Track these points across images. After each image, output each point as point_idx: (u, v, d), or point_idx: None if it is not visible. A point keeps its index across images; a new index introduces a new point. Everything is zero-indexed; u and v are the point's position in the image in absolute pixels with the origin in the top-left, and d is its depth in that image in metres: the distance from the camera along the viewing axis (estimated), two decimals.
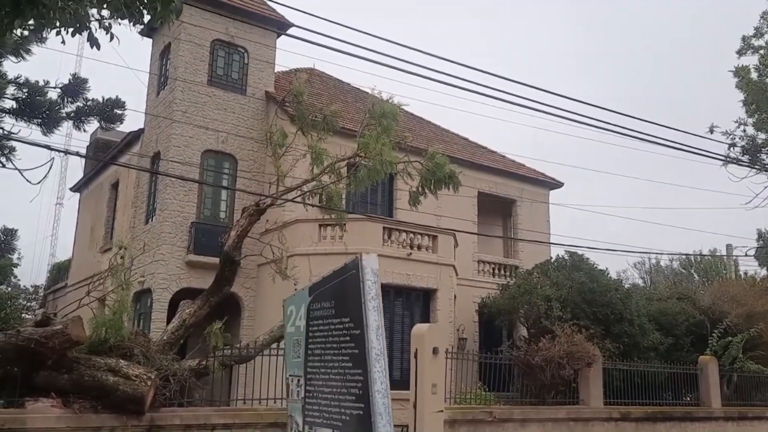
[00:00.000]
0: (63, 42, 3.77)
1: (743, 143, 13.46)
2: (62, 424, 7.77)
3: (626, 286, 20.88)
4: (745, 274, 31.76)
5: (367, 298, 2.92)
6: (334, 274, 3.39)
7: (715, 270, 33.82)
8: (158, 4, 3.55)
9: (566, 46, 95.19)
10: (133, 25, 3.78)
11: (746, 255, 22.89)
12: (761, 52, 13.42)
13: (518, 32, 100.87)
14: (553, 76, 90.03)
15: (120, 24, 3.70)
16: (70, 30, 3.56)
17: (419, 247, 16.73)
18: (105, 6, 3.33)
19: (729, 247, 26.58)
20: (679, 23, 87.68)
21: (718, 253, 33.54)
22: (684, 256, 33.78)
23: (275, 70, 19.77)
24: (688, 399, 16.57)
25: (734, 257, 26.29)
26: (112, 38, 3.81)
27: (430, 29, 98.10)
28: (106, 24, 3.74)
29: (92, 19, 3.61)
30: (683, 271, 36.36)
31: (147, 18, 3.83)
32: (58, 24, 3.30)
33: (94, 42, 3.76)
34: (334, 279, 3.35)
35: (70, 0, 2.99)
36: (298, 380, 3.65)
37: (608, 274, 17.71)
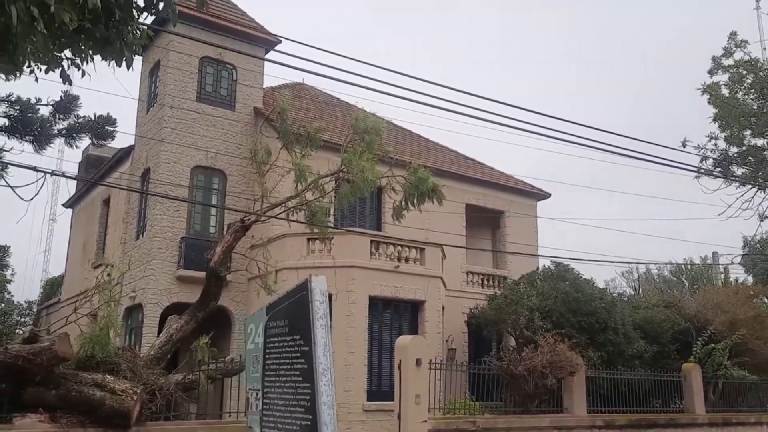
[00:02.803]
0: (36, 80, 4.02)
1: (714, 156, 13.82)
2: None
3: (614, 294, 21.13)
4: (736, 281, 32.16)
5: (315, 317, 3.16)
6: (287, 295, 3.64)
7: (706, 277, 34.17)
8: (113, 51, 3.82)
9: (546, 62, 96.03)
10: (108, 64, 4.07)
11: (732, 263, 23.24)
12: (731, 71, 13.81)
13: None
14: (534, 93, 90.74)
15: (90, 63, 3.96)
16: (43, 68, 3.81)
17: (407, 260, 16.94)
18: (69, 50, 3.58)
19: (715, 254, 26.91)
20: (658, 38, 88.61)
21: (708, 261, 33.86)
22: (674, 265, 34.09)
23: (264, 86, 20.07)
24: (679, 405, 16.76)
25: (721, 265, 26.59)
26: (83, 75, 4.07)
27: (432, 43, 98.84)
28: (77, 63, 3.99)
29: (64, 57, 3.86)
30: (674, 279, 36.68)
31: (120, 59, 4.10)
32: (30, 64, 3.55)
33: (66, 79, 4.01)
34: (288, 300, 3.59)
35: (37, 43, 3.22)
36: (257, 393, 3.91)
37: (594, 283, 17.99)
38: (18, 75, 3.79)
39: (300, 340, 3.34)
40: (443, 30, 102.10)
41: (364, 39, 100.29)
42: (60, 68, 3.70)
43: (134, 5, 3.80)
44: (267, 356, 3.80)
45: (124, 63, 3.94)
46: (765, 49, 17.08)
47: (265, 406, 3.74)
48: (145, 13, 4.08)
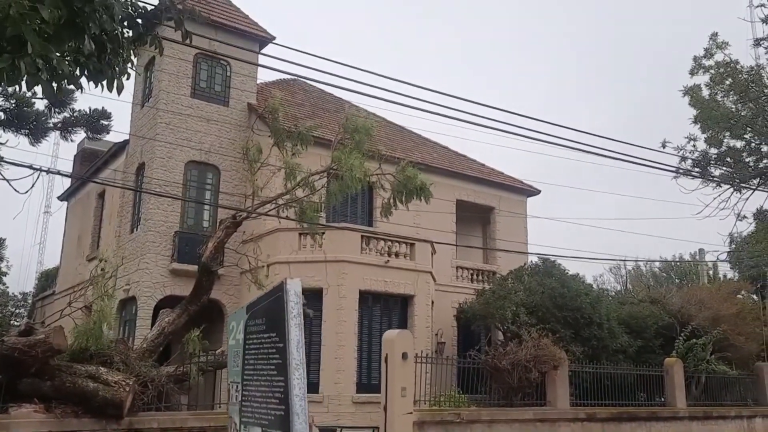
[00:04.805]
0: (34, 95, 4.30)
1: (693, 157, 14.15)
2: (45, 429, 8.23)
3: (601, 288, 21.49)
4: (724, 276, 32.61)
5: (289, 316, 3.45)
6: (265, 296, 3.93)
7: (695, 273, 34.64)
8: (105, 79, 4.13)
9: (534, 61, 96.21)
10: (97, 87, 4.38)
11: (718, 260, 23.58)
12: (711, 71, 14.13)
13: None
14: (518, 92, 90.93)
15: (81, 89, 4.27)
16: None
17: (397, 255, 17.22)
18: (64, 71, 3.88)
19: (701, 251, 27.30)
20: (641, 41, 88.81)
21: (698, 258, 34.27)
22: (660, 261, 34.53)
23: (258, 81, 20.30)
24: (662, 400, 17.13)
25: (708, 262, 26.99)
26: (80, 89, 4.35)
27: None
28: (72, 87, 4.24)
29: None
30: (664, 274, 37.13)
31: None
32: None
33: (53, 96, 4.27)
34: (266, 300, 3.88)
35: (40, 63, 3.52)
36: (237, 386, 4.21)
37: (583, 279, 18.35)
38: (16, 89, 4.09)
39: (276, 337, 3.63)
40: (442, 31, 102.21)
41: (367, 36, 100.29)
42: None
43: (124, 39, 4.10)
44: (246, 352, 4.10)
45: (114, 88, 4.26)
46: (759, 44, 17.20)
47: (244, 397, 4.04)
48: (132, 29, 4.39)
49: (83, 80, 4.10)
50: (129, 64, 4.34)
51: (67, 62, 3.50)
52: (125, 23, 4.15)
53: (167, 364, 10.95)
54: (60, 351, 8.61)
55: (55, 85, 3.64)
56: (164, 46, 16.89)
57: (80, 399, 8.60)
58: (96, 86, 4.22)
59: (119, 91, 4.37)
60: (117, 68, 4.11)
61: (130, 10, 4.25)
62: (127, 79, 4.38)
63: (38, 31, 3.28)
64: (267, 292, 3.98)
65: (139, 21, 4.46)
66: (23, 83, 3.71)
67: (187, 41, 5.10)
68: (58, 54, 3.45)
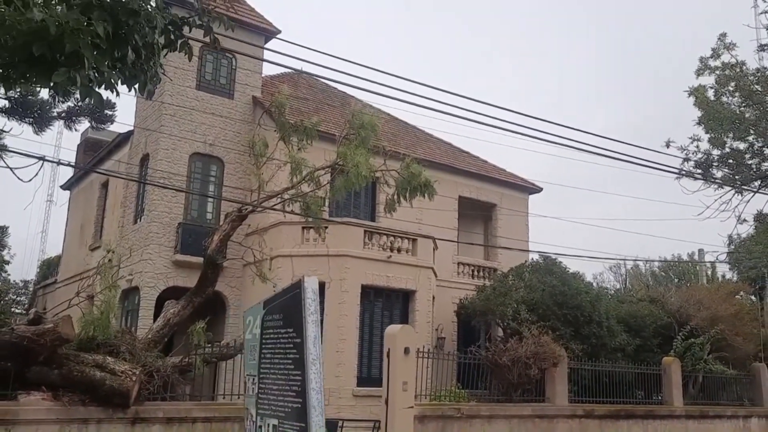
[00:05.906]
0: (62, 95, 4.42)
1: (695, 159, 14.24)
2: (52, 416, 8.37)
3: (601, 287, 21.60)
4: (723, 276, 32.76)
5: (307, 313, 3.56)
6: (283, 292, 4.05)
7: (694, 273, 34.83)
8: (138, 83, 4.26)
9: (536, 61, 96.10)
10: (130, 90, 4.52)
11: (717, 260, 23.70)
12: (717, 72, 14.20)
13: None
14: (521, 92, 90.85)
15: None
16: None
17: (399, 250, 17.33)
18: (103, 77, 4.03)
19: (701, 252, 27.43)
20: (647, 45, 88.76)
21: (697, 258, 34.44)
22: (658, 261, 34.69)
23: (264, 74, 20.33)
24: (659, 398, 17.28)
25: (707, 263, 27.13)
26: (117, 93, 4.51)
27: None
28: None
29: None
30: (663, 274, 37.31)
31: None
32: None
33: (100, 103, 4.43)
34: (283, 296, 4.00)
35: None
36: (253, 379, 4.34)
37: (583, 277, 18.45)
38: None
39: (293, 333, 3.75)
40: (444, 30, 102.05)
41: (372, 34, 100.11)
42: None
43: (156, 45, 4.23)
44: (263, 346, 4.22)
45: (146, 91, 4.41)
46: (764, 50, 17.27)
47: (261, 390, 4.17)
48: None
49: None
50: (159, 68, 4.48)
51: (119, 77, 3.64)
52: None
53: (171, 354, 11.07)
54: (68, 340, 8.74)
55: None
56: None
57: (87, 387, 8.73)
58: (129, 90, 4.35)
59: (150, 95, 4.50)
60: (149, 73, 4.24)
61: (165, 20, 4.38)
62: (158, 83, 4.53)
63: (92, 45, 3.40)
64: (284, 288, 4.09)
65: (171, 28, 4.59)
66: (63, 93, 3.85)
67: (212, 44, 5.23)
68: (107, 66, 3.59)
